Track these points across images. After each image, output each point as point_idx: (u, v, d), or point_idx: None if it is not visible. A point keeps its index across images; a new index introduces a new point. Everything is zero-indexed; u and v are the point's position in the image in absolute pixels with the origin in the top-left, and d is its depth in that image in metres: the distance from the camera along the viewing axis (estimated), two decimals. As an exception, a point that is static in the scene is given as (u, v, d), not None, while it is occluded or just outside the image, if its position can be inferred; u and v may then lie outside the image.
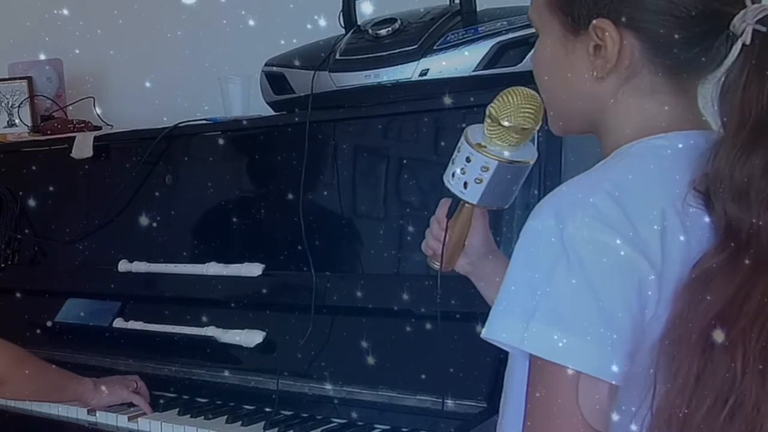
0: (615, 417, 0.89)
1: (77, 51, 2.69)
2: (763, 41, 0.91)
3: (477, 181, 1.15)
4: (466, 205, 1.20)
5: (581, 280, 0.87)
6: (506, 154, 1.14)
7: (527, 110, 1.12)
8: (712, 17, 0.93)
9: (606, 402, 0.87)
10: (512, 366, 1.04)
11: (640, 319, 0.88)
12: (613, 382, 0.87)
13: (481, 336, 0.93)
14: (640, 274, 0.88)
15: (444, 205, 1.24)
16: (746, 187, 0.89)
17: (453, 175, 1.18)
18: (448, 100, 1.66)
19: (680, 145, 0.96)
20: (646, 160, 0.95)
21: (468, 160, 1.15)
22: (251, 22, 2.40)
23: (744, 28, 0.91)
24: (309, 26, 2.03)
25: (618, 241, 0.87)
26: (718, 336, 0.87)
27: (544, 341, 0.87)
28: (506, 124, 1.12)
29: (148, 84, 2.56)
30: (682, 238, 0.90)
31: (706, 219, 0.91)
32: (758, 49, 0.91)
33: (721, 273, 0.89)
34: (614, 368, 0.86)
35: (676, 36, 0.94)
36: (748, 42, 0.91)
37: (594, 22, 0.96)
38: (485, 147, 1.14)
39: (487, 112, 1.13)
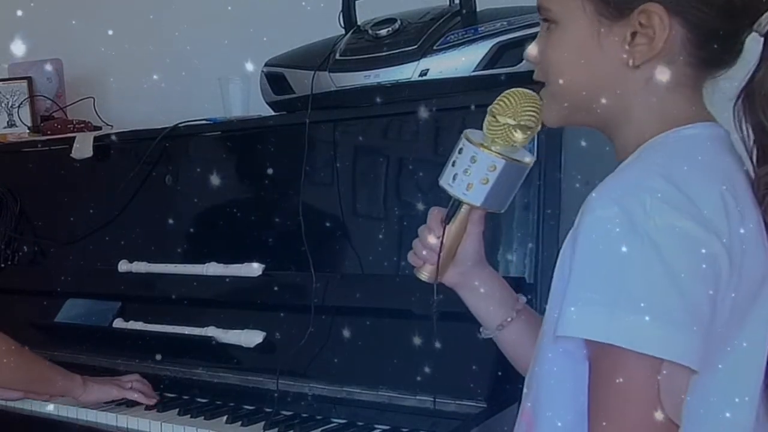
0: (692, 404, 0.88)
1: (77, 51, 2.69)
2: None
3: (483, 181, 1.14)
4: (464, 208, 1.19)
5: (659, 267, 0.85)
6: (511, 153, 1.13)
7: (529, 110, 1.11)
8: (746, 14, 0.95)
9: (682, 390, 0.87)
10: (550, 367, 1.00)
11: (715, 300, 0.88)
12: (695, 368, 0.86)
13: (558, 334, 0.90)
14: (715, 256, 0.87)
15: (434, 213, 1.22)
16: None
17: (454, 177, 1.16)
18: (448, 100, 1.66)
19: (708, 134, 0.97)
20: (686, 146, 0.95)
21: (473, 160, 1.14)
22: (251, 23, 2.40)
23: None
24: (309, 26, 2.03)
25: (691, 225, 0.86)
26: None
27: (630, 331, 0.85)
28: (511, 122, 1.11)
29: (148, 84, 2.56)
30: (739, 220, 0.90)
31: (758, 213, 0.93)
32: None
33: None
34: (697, 353, 0.86)
35: (718, 28, 0.95)
36: None
37: (644, 5, 0.95)
38: (488, 147, 1.13)
39: (489, 112, 1.13)
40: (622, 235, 0.86)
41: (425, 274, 1.22)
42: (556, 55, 1.03)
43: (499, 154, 1.13)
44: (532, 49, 1.08)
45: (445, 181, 1.18)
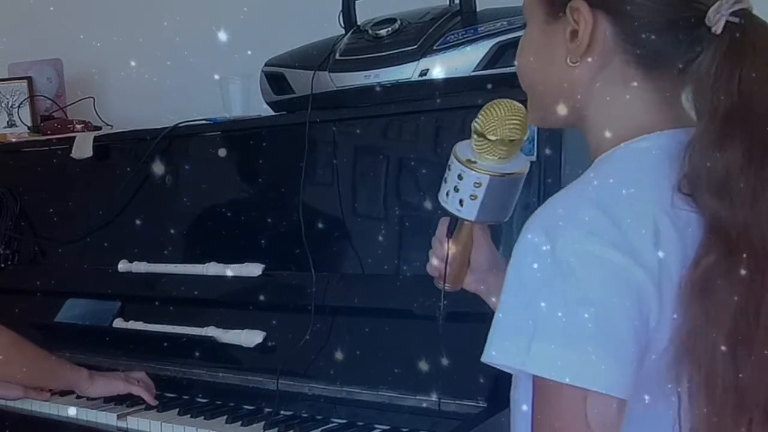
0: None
1: (77, 51, 2.69)
2: (734, 33, 0.90)
3: (471, 197, 1.13)
4: (466, 222, 1.19)
5: (578, 296, 0.85)
6: (497, 167, 1.12)
7: (513, 122, 1.10)
8: (686, 7, 0.92)
9: (615, 418, 0.85)
10: (516, 384, 1.02)
11: (643, 328, 0.86)
12: (622, 397, 0.85)
13: (482, 360, 0.90)
14: (638, 283, 0.86)
15: (443, 224, 1.22)
16: (725, 180, 0.87)
17: (447, 194, 1.16)
18: (448, 100, 1.66)
19: (663, 145, 0.94)
20: (630, 165, 0.93)
21: (460, 177, 1.13)
22: (251, 23, 2.40)
23: (718, 19, 0.90)
24: (309, 26, 2.03)
25: (611, 252, 0.85)
26: (740, 351, 0.86)
27: (548, 361, 0.85)
28: (492, 138, 1.10)
29: (148, 84, 2.56)
30: (675, 240, 0.88)
31: (696, 218, 0.89)
32: (728, 40, 0.90)
33: (719, 278, 0.87)
34: (622, 382, 0.85)
35: (648, 23, 0.93)
36: (719, 32, 0.90)
37: (570, 3, 0.95)
38: (475, 162, 1.12)
39: (473, 128, 1.11)
40: (545, 265, 0.87)
41: (441, 284, 1.24)
42: (521, 55, 1.05)
43: (483, 170, 1.12)
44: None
45: (441, 198, 1.18)
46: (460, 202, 1.14)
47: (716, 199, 0.88)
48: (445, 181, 1.16)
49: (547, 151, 1.53)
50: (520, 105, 1.10)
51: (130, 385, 1.79)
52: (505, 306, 0.90)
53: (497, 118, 1.10)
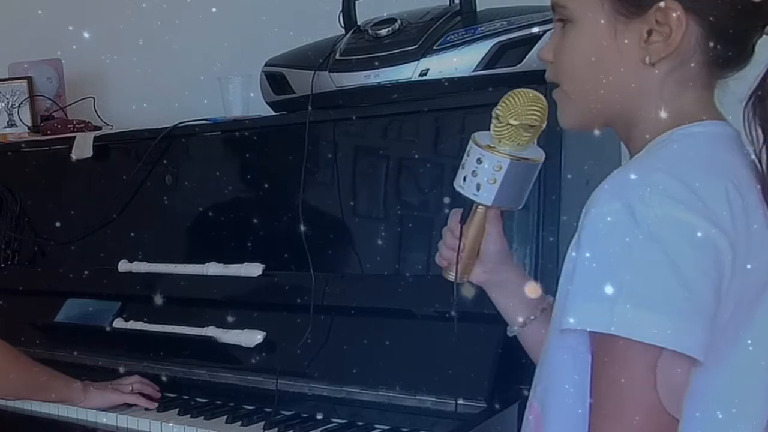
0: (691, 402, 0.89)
1: (77, 51, 2.69)
2: None
3: (490, 181, 1.16)
4: (479, 208, 1.21)
5: (661, 258, 0.86)
6: (516, 152, 1.15)
7: (534, 109, 1.13)
8: (760, 15, 0.95)
9: (683, 385, 0.87)
10: (556, 360, 1.01)
11: (719, 291, 0.88)
12: (699, 358, 0.86)
13: (565, 327, 0.91)
14: (717, 247, 0.87)
15: (455, 214, 1.24)
16: None
17: (464, 179, 1.18)
18: (448, 100, 1.66)
19: (716, 132, 0.97)
20: (693, 143, 0.96)
21: (479, 161, 1.16)
22: (251, 23, 2.40)
23: None
24: (309, 26, 2.03)
25: (692, 216, 0.87)
26: None
27: (633, 322, 0.86)
28: (514, 122, 1.13)
29: (148, 84, 2.56)
30: (744, 214, 0.90)
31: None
32: None
33: None
34: (701, 344, 0.86)
35: (732, 28, 0.95)
36: None
37: (660, 3, 0.95)
38: (495, 148, 1.15)
39: (494, 114, 1.15)
40: (624, 229, 0.87)
41: (451, 274, 1.25)
42: (573, 54, 1.03)
43: (504, 154, 1.15)
44: (546, 50, 1.08)
45: (457, 183, 1.20)
46: (478, 186, 1.17)
47: None
48: (463, 167, 1.19)
49: (547, 151, 1.53)
50: (541, 95, 1.13)
51: (125, 395, 1.78)
52: (585, 272, 0.91)
53: (519, 104, 1.13)
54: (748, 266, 0.90)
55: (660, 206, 0.87)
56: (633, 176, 0.91)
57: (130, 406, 1.79)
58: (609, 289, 0.87)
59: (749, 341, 0.93)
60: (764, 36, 0.98)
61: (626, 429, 0.87)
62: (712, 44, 0.96)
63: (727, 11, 0.95)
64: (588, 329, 0.89)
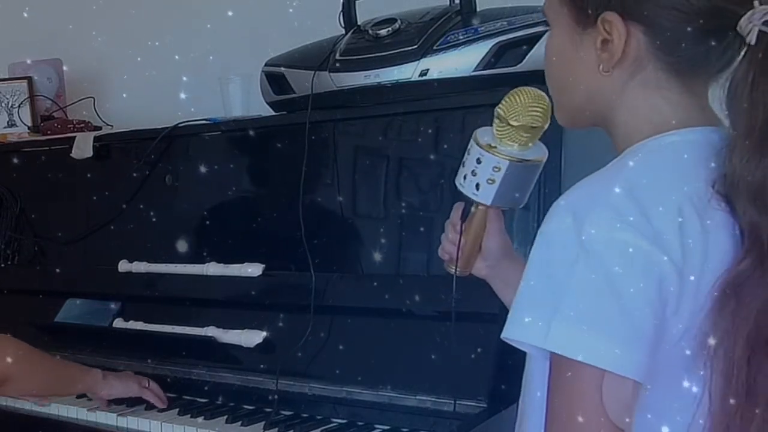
0: (638, 416, 0.89)
1: (77, 51, 2.69)
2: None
3: (489, 181, 1.16)
4: (480, 206, 1.21)
5: (602, 278, 0.86)
6: (517, 153, 1.15)
7: (535, 109, 1.13)
8: (718, 15, 0.93)
9: (630, 400, 0.88)
10: (530, 368, 1.03)
11: (662, 315, 0.88)
12: (637, 380, 0.87)
13: (501, 337, 0.92)
14: (661, 270, 0.87)
15: (458, 208, 1.25)
16: (763, 189, 0.89)
17: (464, 177, 1.18)
18: (448, 100, 1.66)
19: (693, 141, 0.96)
20: (660, 156, 0.95)
21: (479, 161, 1.16)
22: (251, 23, 2.40)
23: (750, 29, 0.91)
24: (309, 26, 2.03)
25: (636, 238, 0.87)
26: (758, 355, 0.88)
27: (567, 339, 0.87)
28: (515, 123, 1.13)
29: (148, 84, 2.56)
30: (700, 233, 0.90)
31: (730, 221, 0.91)
32: (764, 50, 0.91)
33: (750, 281, 0.89)
34: (638, 365, 0.87)
35: (681, 32, 0.94)
36: (753, 42, 0.91)
37: (602, 15, 0.96)
38: (495, 147, 1.15)
39: (496, 113, 1.14)
40: (570, 246, 0.88)
41: (452, 268, 1.25)
42: (547, 59, 1.06)
43: (504, 155, 1.14)
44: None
45: (458, 181, 1.20)
46: (477, 186, 1.17)
47: (753, 206, 0.90)
48: (463, 165, 1.19)
49: (548, 151, 1.53)
50: (544, 94, 1.13)
51: (143, 389, 1.78)
52: (527, 285, 0.92)
53: (521, 104, 1.13)
54: (702, 283, 0.89)
55: (607, 228, 0.88)
56: (590, 193, 0.92)
57: (129, 406, 1.79)
58: (549, 305, 0.88)
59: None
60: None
61: None
62: (663, 50, 0.96)
63: (672, 17, 0.94)
64: (526, 342, 0.90)
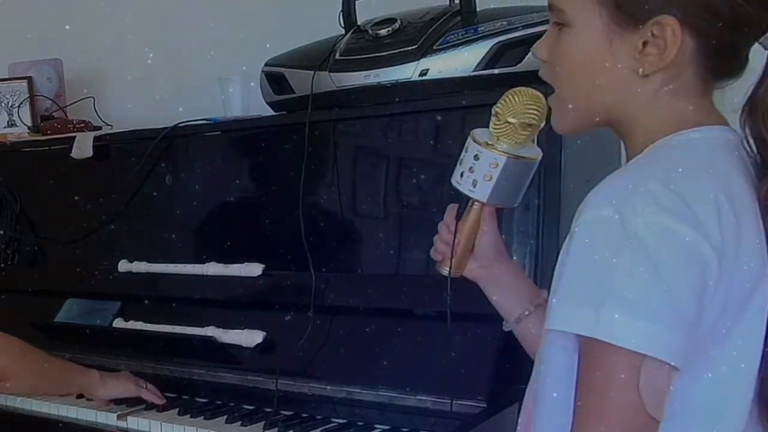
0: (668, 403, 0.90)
1: (77, 51, 2.69)
2: None
3: (486, 178, 1.17)
4: (475, 205, 1.22)
5: (647, 266, 0.87)
6: (514, 150, 1.16)
7: (532, 108, 1.15)
8: (753, 27, 0.96)
9: (665, 388, 0.89)
10: (545, 369, 1.02)
11: (701, 302, 0.89)
12: (678, 366, 0.88)
13: (547, 328, 0.93)
14: (703, 256, 0.89)
15: (451, 210, 1.25)
16: None
17: (461, 174, 1.20)
18: (448, 100, 1.66)
19: (713, 137, 0.98)
20: (689, 150, 0.97)
21: (476, 158, 1.17)
22: (251, 23, 2.40)
23: None
24: (309, 26, 2.03)
25: (680, 225, 0.88)
26: None
27: (616, 328, 0.87)
28: (512, 120, 1.15)
29: (148, 84, 2.56)
30: (734, 222, 0.91)
31: (756, 214, 0.94)
32: None
33: None
34: (682, 352, 0.88)
35: (726, 40, 0.97)
36: None
37: (658, 17, 0.96)
38: (493, 145, 1.17)
39: (493, 112, 1.16)
40: (614, 236, 0.89)
41: (444, 269, 1.26)
42: (568, 59, 1.04)
43: (501, 151, 1.16)
44: (541, 49, 1.08)
45: (454, 179, 1.21)
46: (474, 183, 1.18)
47: None
48: (460, 163, 1.20)
49: (547, 151, 1.53)
50: (540, 94, 1.14)
51: (141, 389, 1.78)
52: (570, 275, 0.92)
53: (518, 103, 1.15)
54: (736, 273, 0.91)
55: (650, 215, 0.88)
56: (628, 183, 0.93)
57: (130, 406, 1.79)
58: (595, 294, 0.89)
59: (734, 352, 0.94)
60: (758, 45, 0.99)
61: (608, 429, 0.88)
62: (706, 57, 0.98)
63: (722, 25, 0.96)
64: (572, 331, 0.91)
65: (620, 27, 0.99)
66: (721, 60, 0.98)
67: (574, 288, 0.92)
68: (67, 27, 2.68)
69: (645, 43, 0.97)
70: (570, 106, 1.05)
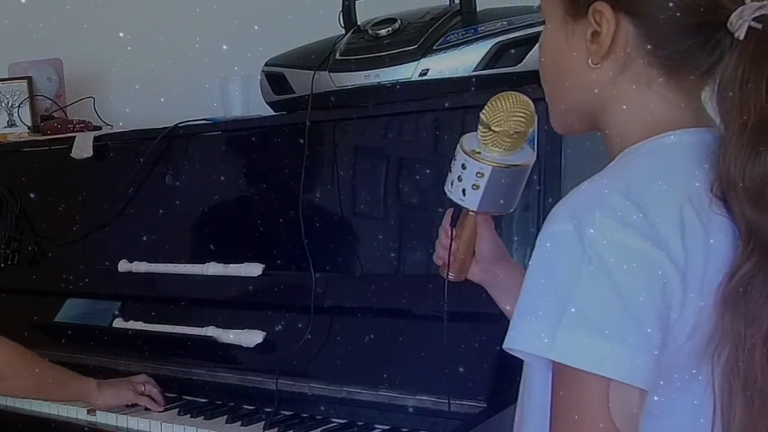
0: (643, 421, 0.87)
1: (77, 51, 2.69)
2: (759, 39, 0.89)
3: (474, 187, 1.15)
4: (469, 212, 1.20)
5: (606, 284, 0.84)
6: (501, 158, 1.13)
7: (518, 114, 1.11)
8: (708, 11, 0.92)
9: (637, 407, 0.86)
10: (529, 375, 1.01)
11: (666, 320, 0.87)
12: (644, 388, 0.85)
13: (503, 347, 0.90)
14: (664, 273, 0.86)
15: (449, 214, 1.24)
16: (761, 188, 0.88)
17: (452, 183, 1.17)
18: (448, 100, 1.66)
19: (689, 142, 0.94)
20: (657, 158, 0.94)
21: (464, 167, 1.15)
22: (251, 23, 2.40)
23: (740, 25, 0.90)
24: (309, 26, 2.03)
25: (639, 241, 0.85)
26: None
27: (573, 349, 0.85)
28: (497, 129, 1.11)
29: (148, 84, 2.56)
30: (701, 234, 0.88)
31: (730, 224, 0.90)
32: (753, 47, 0.89)
33: (757, 285, 0.87)
34: (646, 374, 0.85)
35: (670, 26, 0.93)
36: (742, 38, 0.90)
37: (593, 5, 0.95)
38: (479, 153, 1.14)
39: (479, 119, 1.13)
40: (573, 251, 0.86)
41: (445, 273, 1.24)
42: (543, 57, 1.04)
43: (488, 161, 1.13)
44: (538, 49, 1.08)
45: (446, 187, 1.19)
46: (463, 191, 1.16)
47: (753, 207, 0.88)
48: (450, 171, 1.18)
49: (547, 151, 1.53)
50: (527, 98, 1.12)
51: (138, 396, 1.78)
52: (529, 293, 0.90)
53: (503, 110, 1.11)
54: (706, 282, 0.88)
55: (609, 231, 0.85)
56: (590, 196, 0.90)
57: (130, 405, 1.79)
58: (554, 312, 0.86)
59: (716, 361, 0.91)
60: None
61: None
62: (654, 44, 0.94)
63: (662, 8, 0.93)
64: (529, 352, 0.88)
65: (573, 19, 0.98)
66: (676, 47, 0.94)
67: (531, 305, 0.88)
68: (67, 27, 2.68)
69: (594, 33, 0.96)
70: (554, 104, 1.05)
